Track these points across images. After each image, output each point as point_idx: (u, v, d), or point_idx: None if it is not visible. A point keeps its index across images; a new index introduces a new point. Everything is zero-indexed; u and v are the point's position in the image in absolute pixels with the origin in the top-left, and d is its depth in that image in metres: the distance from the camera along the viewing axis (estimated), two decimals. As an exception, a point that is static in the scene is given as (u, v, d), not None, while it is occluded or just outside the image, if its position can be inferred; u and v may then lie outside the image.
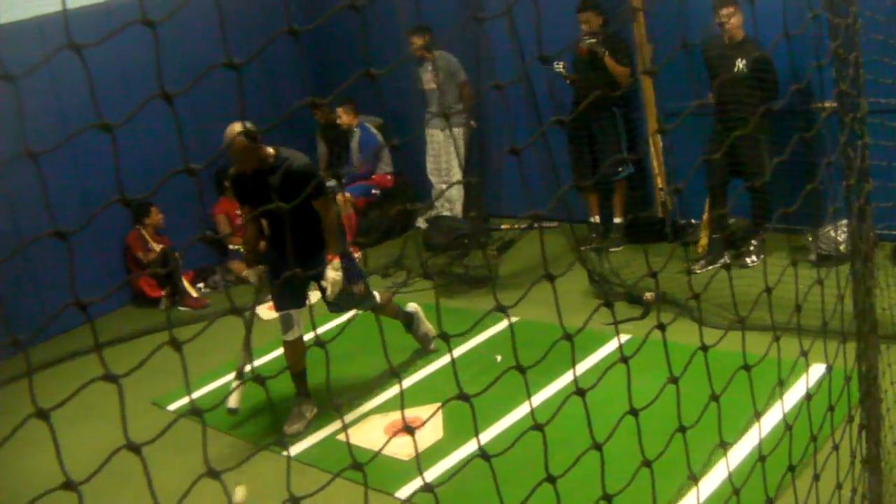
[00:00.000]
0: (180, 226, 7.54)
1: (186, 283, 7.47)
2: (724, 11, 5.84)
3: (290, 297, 4.85)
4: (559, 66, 6.61)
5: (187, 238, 7.41)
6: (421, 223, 7.90)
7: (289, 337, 4.91)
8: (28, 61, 1.14)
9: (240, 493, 4.07)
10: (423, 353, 5.63)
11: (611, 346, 5.21)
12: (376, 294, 5.18)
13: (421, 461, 1.70)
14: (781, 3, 2.04)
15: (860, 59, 2.37)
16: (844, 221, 5.18)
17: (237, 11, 7.23)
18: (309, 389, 5.04)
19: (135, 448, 1.15)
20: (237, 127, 4.57)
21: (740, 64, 5.86)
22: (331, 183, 5.07)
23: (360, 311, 4.75)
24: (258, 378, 1.38)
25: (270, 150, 4.73)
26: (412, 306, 5.61)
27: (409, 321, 5.58)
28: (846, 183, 2.39)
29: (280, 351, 6.04)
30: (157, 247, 7.45)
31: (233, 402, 4.92)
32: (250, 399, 5.09)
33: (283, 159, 4.69)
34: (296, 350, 4.92)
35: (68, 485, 1.05)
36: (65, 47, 1.01)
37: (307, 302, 4.89)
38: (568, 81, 6.82)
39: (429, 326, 5.65)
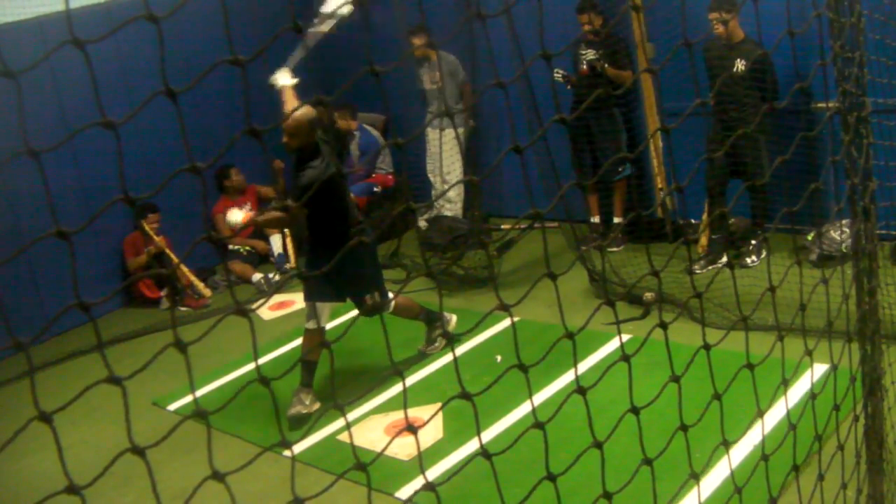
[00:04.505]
0: (181, 225, 7.51)
1: (194, 279, 7.44)
2: (711, 16, 5.82)
3: (318, 290, 5.03)
4: (557, 75, 6.59)
5: (188, 237, 7.40)
6: (421, 223, 7.89)
7: (309, 326, 5.15)
8: (28, 61, 1.14)
9: None
10: (423, 355, 5.62)
11: (611, 345, 5.20)
12: (390, 295, 5.34)
13: (421, 461, 1.69)
14: (784, 1, 2.03)
15: (864, 58, 2.36)
16: (845, 221, 5.17)
17: (237, 10, 7.21)
18: (313, 388, 5.11)
19: (139, 451, 1.14)
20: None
21: (740, 65, 5.84)
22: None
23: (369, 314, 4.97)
24: (263, 379, 1.37)
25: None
26: (453, 319, 5.70)
27: (431, 319, 5.61)
28: (850, 182, 2.38)
29: (281, 350, 6.07)
30: (154, 248, 7.41)
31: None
32: (252, 399, 5.07)
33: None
34: (311, 340, 5.15)
35: (71, 489, 1.05)
36: (67, 42, 1.00)
37: (331, 298, 5.10)
38: (569, 86, 6.80)
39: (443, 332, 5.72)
